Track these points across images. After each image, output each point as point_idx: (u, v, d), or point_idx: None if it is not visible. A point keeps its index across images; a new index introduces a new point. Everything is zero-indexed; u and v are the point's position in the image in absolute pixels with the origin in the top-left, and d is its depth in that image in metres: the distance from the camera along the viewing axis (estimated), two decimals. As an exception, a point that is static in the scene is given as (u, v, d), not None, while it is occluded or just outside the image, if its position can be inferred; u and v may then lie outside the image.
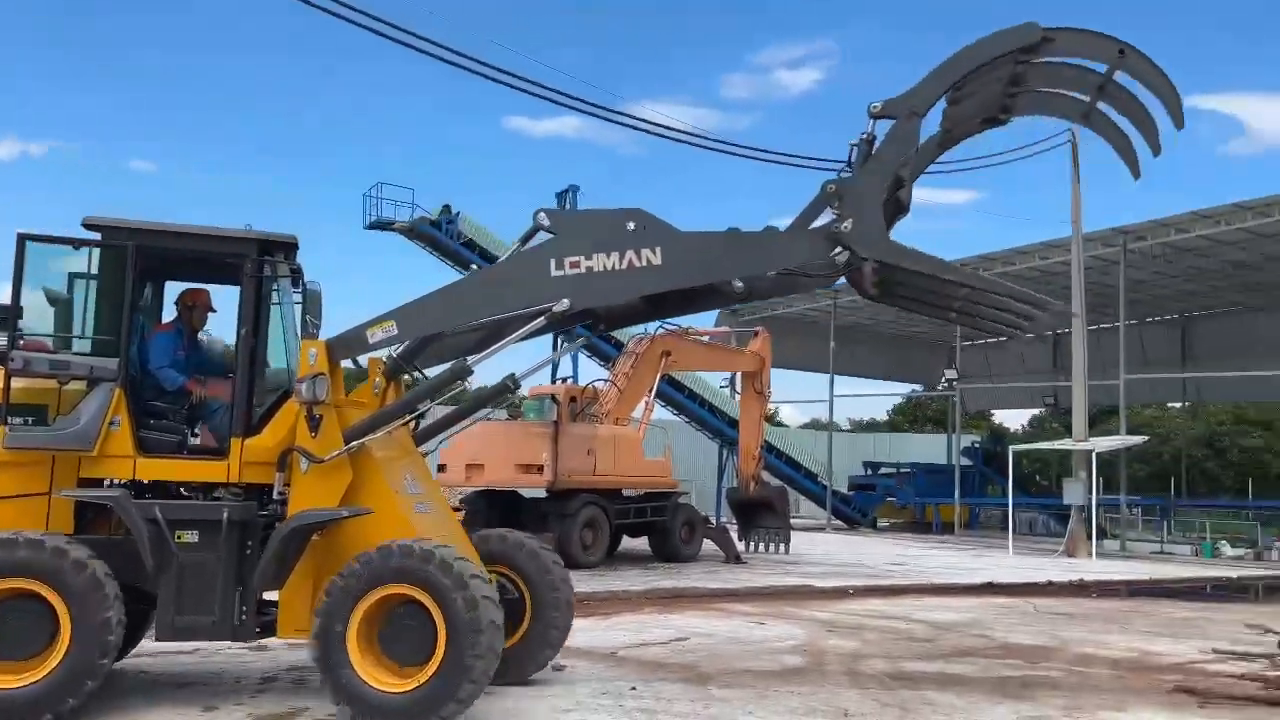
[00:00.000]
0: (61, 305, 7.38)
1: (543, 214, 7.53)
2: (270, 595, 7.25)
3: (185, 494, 7.22)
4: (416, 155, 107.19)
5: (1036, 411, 55.90)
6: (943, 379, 41.85)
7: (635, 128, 20.21)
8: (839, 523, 36.56)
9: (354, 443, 7.08)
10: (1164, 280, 33.95)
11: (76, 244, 7.20)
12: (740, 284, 7.56)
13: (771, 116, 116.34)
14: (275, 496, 7.15)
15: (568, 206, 36.39)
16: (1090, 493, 26.44)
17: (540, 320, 7.35)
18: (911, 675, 9.21)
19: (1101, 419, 39.64)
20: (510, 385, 7.45)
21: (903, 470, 40.39)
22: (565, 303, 7.17)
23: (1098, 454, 27.62)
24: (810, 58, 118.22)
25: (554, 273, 7.20)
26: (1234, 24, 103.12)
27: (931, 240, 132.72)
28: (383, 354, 7.68)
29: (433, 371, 7.83)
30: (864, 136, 7.24)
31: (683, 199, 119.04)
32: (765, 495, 23.14)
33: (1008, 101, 7.71)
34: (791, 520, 23.91)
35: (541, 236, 7.69)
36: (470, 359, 7.47)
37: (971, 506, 37.63)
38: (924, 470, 39.87)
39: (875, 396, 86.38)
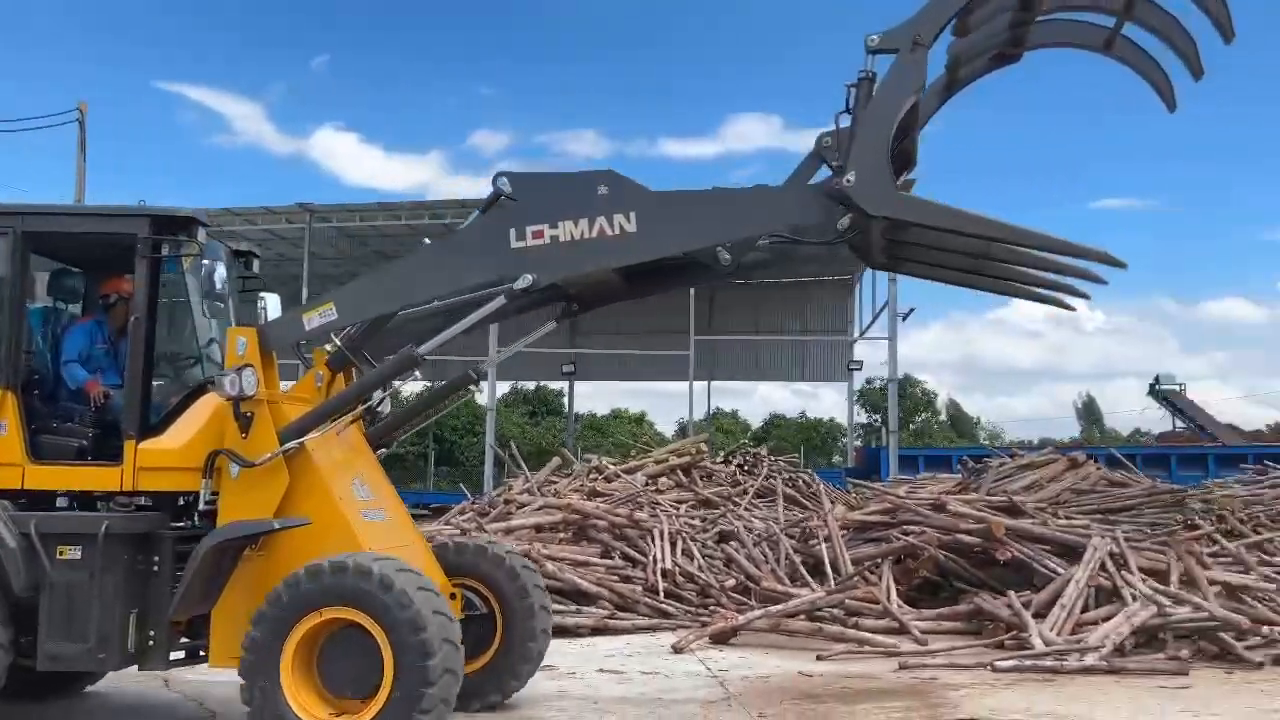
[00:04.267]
0: None
1: (503, 178, 6.41)
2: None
3: (100, 506, 6.27)
4: None
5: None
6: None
7: None
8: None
9: (290, 443, 6.12)
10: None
11: None
12: (727, 255, 6.59)
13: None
14: (202, 507, 6.30)
15: None
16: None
17: (500, 300, 6.35)
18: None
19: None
20: (473, 376, 6.78)
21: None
22: (529, 278, 6.19)
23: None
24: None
25: (515, 244, 6.26)
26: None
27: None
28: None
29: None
30: (862, 76, 6.00)
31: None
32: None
33: (1017, 33, 6.52)
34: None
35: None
36: (422, 347, 6.48)
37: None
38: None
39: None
